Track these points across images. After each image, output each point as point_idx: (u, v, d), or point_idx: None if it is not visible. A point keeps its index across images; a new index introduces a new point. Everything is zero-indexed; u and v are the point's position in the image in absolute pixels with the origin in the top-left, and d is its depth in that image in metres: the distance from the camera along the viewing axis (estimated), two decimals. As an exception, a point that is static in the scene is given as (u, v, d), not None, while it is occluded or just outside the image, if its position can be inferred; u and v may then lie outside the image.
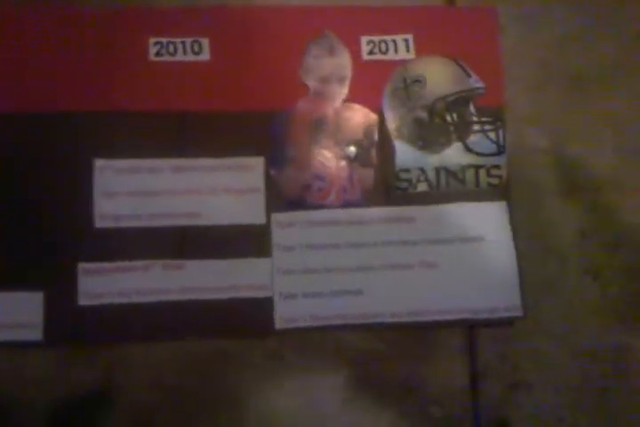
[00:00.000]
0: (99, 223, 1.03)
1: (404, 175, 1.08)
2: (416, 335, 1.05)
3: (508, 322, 1.05)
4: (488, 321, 1.04)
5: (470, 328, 1.06)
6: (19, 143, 1.04)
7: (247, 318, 1.03)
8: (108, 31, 1.07)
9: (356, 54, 1.10)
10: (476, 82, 1.05)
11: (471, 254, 1.06)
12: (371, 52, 1.11)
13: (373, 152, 1.09)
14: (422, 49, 1.11)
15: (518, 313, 1.04)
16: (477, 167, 1.09)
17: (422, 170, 1.08)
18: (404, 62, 1.09)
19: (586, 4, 1.18)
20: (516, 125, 1.11)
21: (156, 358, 1.02)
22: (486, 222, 1.08)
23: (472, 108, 1.07)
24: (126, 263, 1.03)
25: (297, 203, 1.07)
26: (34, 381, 1.00)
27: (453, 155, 1.08)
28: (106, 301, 1.01)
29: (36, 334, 1.00)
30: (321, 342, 1.04)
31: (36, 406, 1.00)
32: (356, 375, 1.04)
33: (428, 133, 1.07)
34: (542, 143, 1.13)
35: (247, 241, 1.04)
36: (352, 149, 1.08)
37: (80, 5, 1.08)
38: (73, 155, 1.04)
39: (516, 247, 1.07)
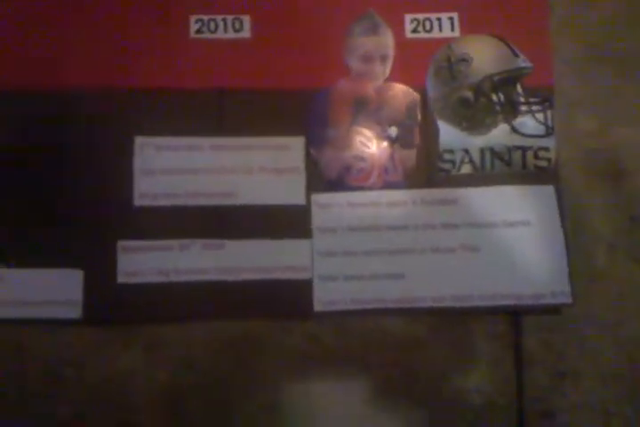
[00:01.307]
0: (138, 201, 1.03)
1: (447, 156, 1.05)
2: (458, 321, 1.03)
3: (555, 309, 1.02)
4: (534, 307, 1.01)
5: (515, 314, 1.02)
6: (60, 120, 1.04)
7: (285, 300, 1.01)
8: (149, 9, 1.07)
9: (399, 32, 1.08)
10: (523, 61, 1.02)
11: (516, 239, 1.03)
12: (414, 31, 1.08)
13: (416, 133, 1.06)
14: (467, 27, 1.08)
15: (567, 300, 1.01)
16: (524, 149, 1.05)
17: (466, 151, 1.05)
18: (448, 41, 1.06)
19: (635, -17, 1.14)
20: (564, 107, 1.08)
21: (192, 338, 1.01)
22: (533, 206, 1.04)
23: (519, 89, 1.04)
24: (165, 242, 1.02)
25: (337, 184, 1.05)
26: (71, 358, 1.00)
27: (499, 136, 1.05)
28: (144, 279, 1.01)
29: (75, 312, 1.00)
30: (360, 326, 1.02)
31: (72, 384, 0.99)
32: (396, 361, 1.02)
33: (474, 114, 1.04)
34: (591, 126, 1.09)
35: (287, 222, 1.03)
36: (394, 129, 1.06)
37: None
38: (114, 132, 1.04)
39: (564, 232, 1.03)
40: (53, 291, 1.00)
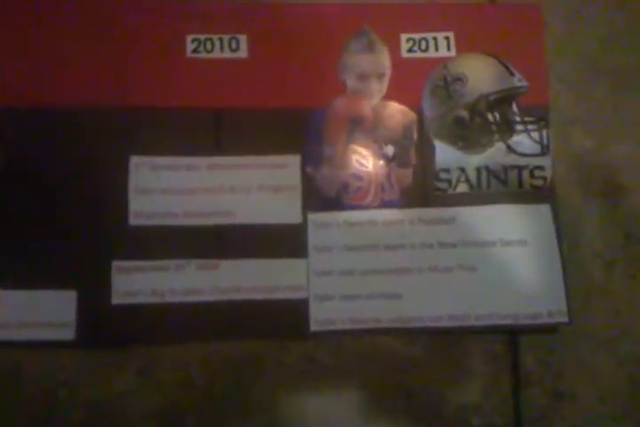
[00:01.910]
0: (133, 221, 1.02)
1: (443, 175, 1.05)
2: (455, 340, 1.02)
3: (552, 328, 1.01)
4: (531, 327, 1.01)
5: (512, 334, 1.02)
6: (55, 139, 1.03)
7: (282, 320, 1.00)
8: (146, 28, 1.07)
9: (395, 52, 1.08)
10: (519, 80, 1.02)
11: (513, 258, 1.03)
12: (410, 50, 1.09)
13: (412, 151, 1.06)
14: (463, 47, 1.09)
15: (564, 319, 1.00)
16: (520, 168, 1.05)
17: (463, 170, 1.05)
18: (444, 60, 1.06)
19: (630, 0, 1.14)
20: (561, 125, 1.08)
21: (189, 359, 1.00)
22: (529, 225, 1.04)
23: (515, 108, 1.04)
24: (160, 262, 1.01)
25: (334, 202, 1.04)
26: (65, 381, 0.99)
27: (495, 155, 1.05)
28: (139, 300, 1.00)
29: (68, 334, 0.98)
30: (356, 346, 1.01)
31: (67, 406, 0.98)
32: (393, 380, 1.01)
33: (469, 133, 1.04)
34: (587, 144, 1.09)
35: (283, 241, 1.02)
36: (390, 148, 1.06)
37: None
38: (109, 151, 1.03)
39: (561, 251, 1.03)
40: (47, 312, 0.99)
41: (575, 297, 1.02)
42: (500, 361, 1.02)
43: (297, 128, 1.04)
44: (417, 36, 1.09)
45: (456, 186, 1.05)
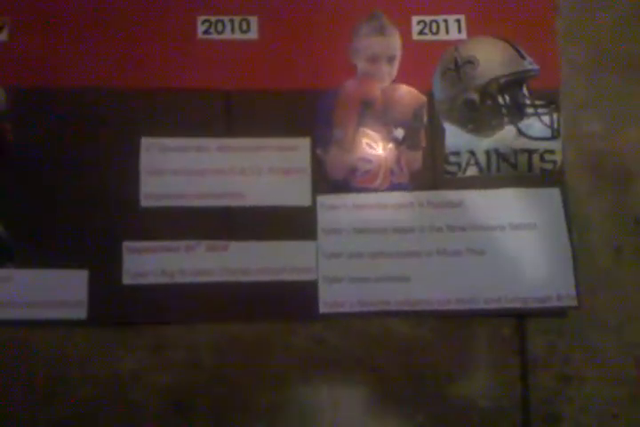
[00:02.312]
0: (144, 202, 1.03)
1: (453, 159, 1.05)
2: (463, 324, 1.02)
3: (560, 312, 1.02)
4: (539, 310, 1.01)
5: (520, 318, 1.02)
6: (66, 119, 1.04)
7: (291, 302, 1.01)
8: (157, 10, 1.07)
9: (406, 35, 1.08)
10: (530, 64, 1.02)
11: (522, 242, 1.03)
12: (421, 33, 1.08)
13: (422, 134, 1.06)
14: (474, 30, 1.08)
15: (572, 302, 1.01)
16: (530, 152, 1.05)
17: (472, 153, 1.05)
18: (455, 43, 1.06)
19: (643, -15, 1.13)
20: (571, 109, 1.08)
21: (198, 338, 1.01)
22: (539, 209, 1.04)
23: (525, 91, 1.04)
24: (170, 243, 1.02)
25: (343, 185, 1.05)
26: (77, 359, 1.00)
27: (505, 138, 1.05)
28: (149, 280, 1.01)
29: (80, 313, 1.00)
30: (365, 328, 1.02)
31: (78, 383, 0.99)
32: (400, 363, 1.01)
33: (480, 116, 1.04)
34: (597, 128, 1.09)
35: (292, 223, 1.03)
36: (400, 130, 1.06)
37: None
38: (120, 133, 1.03)
39: (570, 235, 1.03)
40: (59, 291, 1.00)
41: (583, 282, 1.02)
42: (508, 344, 1.02)
43: (307, 111, 1.04)
44: (428, 18, 1.08)
45: (466, 169, 1.06)
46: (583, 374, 1.01)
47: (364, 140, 1.06)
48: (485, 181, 1.05)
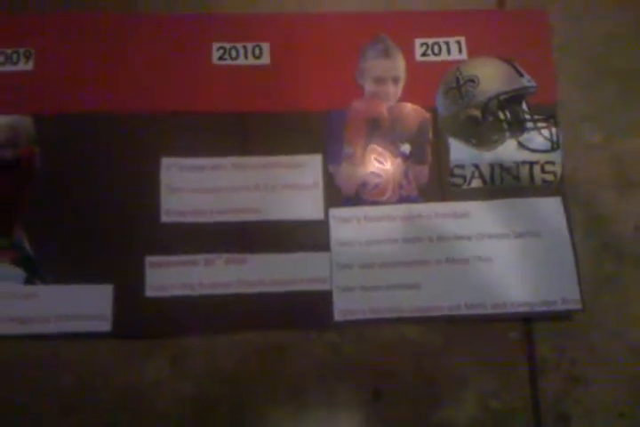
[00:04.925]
0: (165, 219, 1.08)
1: (458, 171, 1.11)
2: (473, 328, 1.06)
3: (566, 315, 1.05)
4: (546, 314, 1.05)
5: (527, 322, 1.06)
6: (92, 143, 1.10)
7: (306, 311, 1.05)
8: (172, 37, 1.14)
9: (409, 56, 1.14)
10: (528, 81, 1.07)
11: (527, 249, 1.07)
12: (424, 54, 1.14)
13: (428, 149, 1.12)
14: (474, 50, 1.15)
15: (577, 306, 1.05)
16: (531, 164, 1.10)
17: (477, 166, 1.11)
18: (456, 63, 1.12)
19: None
20: (570, 122, 1.13)
21: (217, 348, 1.04)
22: (541, 218, 1.08)
23: (525, 106, 1.09)
24: (190, 257, 1.06)
25: (354, 199, 1.10)
26: (101, 370, 1.04)
27: (507, 151, 1.10)
28: (171, 293, 1.05)
29: (105, 325, 1.04)
30: (378, 335, 1.06)
31: (103, 393, 1.03)
32: (413, 367, 1.05)
33: (482, 131, 1.09)
34: (596, 139, 1.14)
35: (306, 236, 1.07)
36: (407, 146, 1.11)
37: (144, 9, 1.16)
38: (141, 154, 1.09)
39: (572, 242, 1.07)
40: (85, 305, 1.04)
41: (587, 287, 1.06)
42: (517, 347, 1.06)
43: (318, 129, 1.10)
44: (430, 40, 1.15)
45: (470, 181, 1.11)
46: (590, 375, 1.05)
47: (373, 156, 1.11)
48: (490, 192, 1.10)
